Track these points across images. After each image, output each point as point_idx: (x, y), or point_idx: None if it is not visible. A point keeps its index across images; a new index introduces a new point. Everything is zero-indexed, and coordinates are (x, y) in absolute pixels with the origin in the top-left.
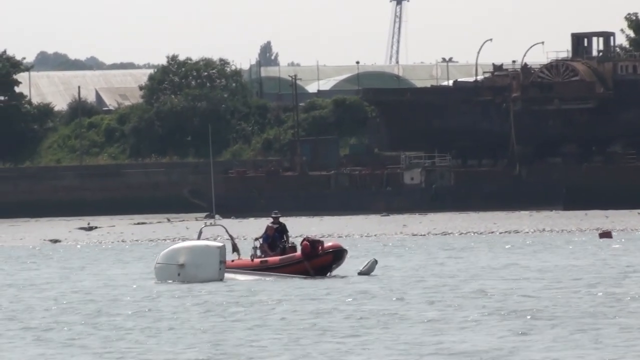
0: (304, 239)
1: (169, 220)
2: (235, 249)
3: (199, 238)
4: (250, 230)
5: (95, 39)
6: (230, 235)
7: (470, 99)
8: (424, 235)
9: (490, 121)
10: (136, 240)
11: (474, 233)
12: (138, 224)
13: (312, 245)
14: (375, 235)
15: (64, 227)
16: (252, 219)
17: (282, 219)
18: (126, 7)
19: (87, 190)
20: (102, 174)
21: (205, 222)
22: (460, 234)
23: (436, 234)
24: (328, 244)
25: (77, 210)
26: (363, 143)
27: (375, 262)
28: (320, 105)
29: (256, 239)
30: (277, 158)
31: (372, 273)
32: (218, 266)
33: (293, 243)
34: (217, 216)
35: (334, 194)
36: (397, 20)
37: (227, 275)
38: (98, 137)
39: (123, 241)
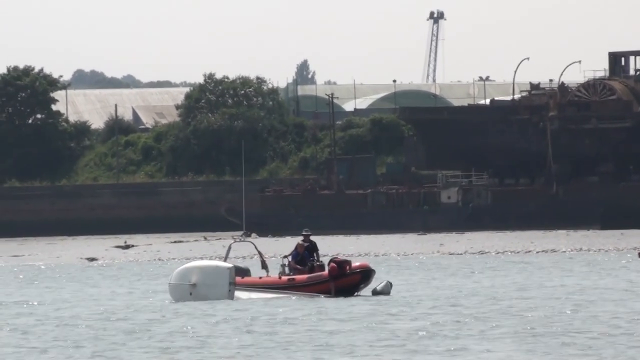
0: (331, 260)
1: (205, 238)
2: (264, 265)
3: (227, 254)
4: (287, 248)
5: (132, 57)
6: (260, 252)
7: (507, 118)
8: (461, 254)
9: (527, 140)
10: (173, 259)
11: (511, 252)
12: (175, 242)
13: (340, 267)
14: (412, 254)
15: (101, 246)
16: (288, 237)
17: (318, 238)
18: (163, 26)
19: (124, 209)
20: (139, 192)
21: (235, 239)
22: (497, 253)
23: (473, 253)
24: (355, 263)
25: (113, 229)
26: (400, 162)
27: (390, 284)
28: (357, 124)
29: (285, 257)
30: (313, 176)
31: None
32: (227, 287)
33: (321, 262)
34: (253, 234)
35: (371, 213)
36: (434, 38)
37: (241, 294)
38: (135, 156)
39: (160, 259)
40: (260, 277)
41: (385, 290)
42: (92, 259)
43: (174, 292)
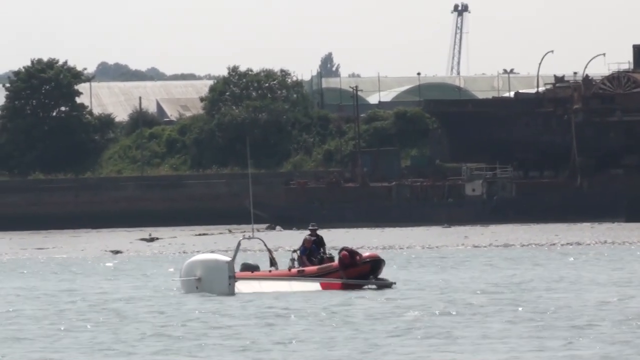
0: (343, 249)
1: (230, 231)
2: (272, 262)
3: (237, 250)
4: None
5: (156, 49)
6: (268, 249)
7: (532, 111)
8: (486, 247)
9: (551, 133)
10: (197, 252)
11: (536, 245)
12: (199, 235)
13: (351, 256)
14: (436, 247)
15: (125, 238)
16: None
17: (342, 230)
18: (187, 19)
19: (148, 201)
20: (163, 185)
21: (244, 235)
22: (522, 245)
23: (498, 246)
24: (365, 253)
25: (138, 221)
26: (424, 154)
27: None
28: (381, 117)
29: (294, 251)
30: (338, 169)
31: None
32: (227, 281)
33: (331, 254)
34: (277, 227)
35: (395, 206)
36: (458, 31)
37: (248, 286)
38: (159, 148)
39: (184, 252)
40: (270, 271)
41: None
42: (116, 252)
43: (184, 287)
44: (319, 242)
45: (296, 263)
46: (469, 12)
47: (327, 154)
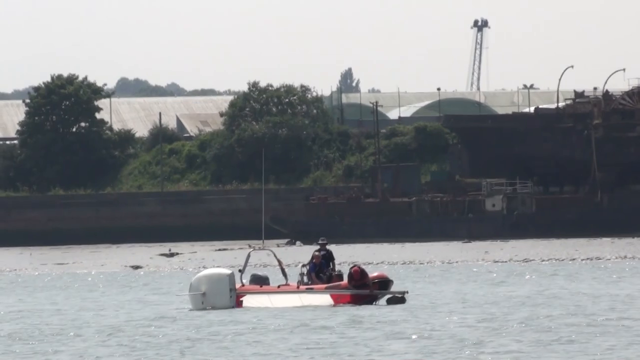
0: (355, 265)
1: (250, 246)
2: (283, 274)
3: (246, 263)
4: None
5: (176, 65)
6: (279, 260)
7: (552, 126)
8: (506, 262)
9: (571, 148)
10: (217, 267)
11: (556, 260)
12: (219, 250)
13: (362, 274)
14: (456, 262)
15: (145, 254)
16: (333, 246)
17: (363, 246)
18: (206, 35)
19: (168, 217)
20: (183, 200)
21: (253, 247)
22: (542, 260)
23: (518, 261)
24: (373, 274)
25: (158, 237)
26: (444, 170)
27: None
28: (401, 132)
29: (303, 266)
30: (358, 184)
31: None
32: (229, 294)
33: (340, 271)
34: (298, 242)
35: (415, 221)
36: (478, 46)
37: (254, 301)
38: (179, 164)
39: (204, 267)
40: (279, 286)
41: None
42: (136, 267)
43: (192, 303)
44: (328, 257)
45: (305, 278)
46: (489, 28)
47: (347, 169)
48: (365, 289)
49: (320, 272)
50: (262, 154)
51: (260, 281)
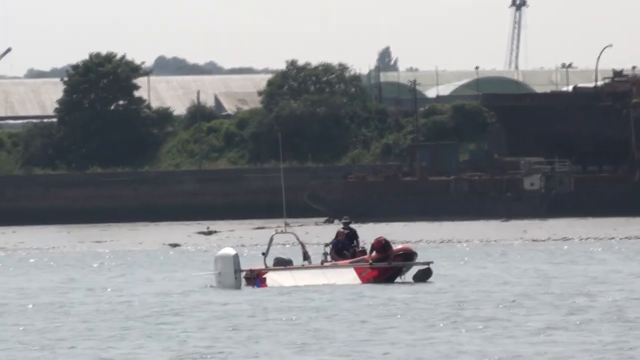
0: (379, 238)
1: (287, 224)
2: (306, 256)
3: (269, 246)
4: (368, 236)
5: (214, 43)
6: (301, 243)
7: (590, 105)
8: (544, 240)
9: (610, 127)
10: (255, 245)
11: (594, 239)
12: (257, 228)
13: (385, 244)
14: (494, 241)
15: (183, 232)
16: (371, 224)
17: (400, 224)
18: (245, 13)
19: (206, 195)
20: (222, 179)
21: (277, 229)
22: (580, 239)
23: (556, 240)
24: (397, 246)
25: (196, 215)
26: (482, 149)
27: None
28: (439, 111)
29: (326, 245)
30: (396, 163)
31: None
32: (234, 275)
33: (363, 247)
34: (335, 221)
35: (454, 200)
36: (517, 25)
37: (279, 277)
38: (217, 142)
39: (242, 245)
40: (303, 266)
41: (426, 276)
42: (174, 245)
43: (214, 281)
44: (352, 236)
45: (329, 257)
46: (527, 7)
47: (386, 147)
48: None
49: (344, 249)
50: (278, 134)
51: (283, 264)
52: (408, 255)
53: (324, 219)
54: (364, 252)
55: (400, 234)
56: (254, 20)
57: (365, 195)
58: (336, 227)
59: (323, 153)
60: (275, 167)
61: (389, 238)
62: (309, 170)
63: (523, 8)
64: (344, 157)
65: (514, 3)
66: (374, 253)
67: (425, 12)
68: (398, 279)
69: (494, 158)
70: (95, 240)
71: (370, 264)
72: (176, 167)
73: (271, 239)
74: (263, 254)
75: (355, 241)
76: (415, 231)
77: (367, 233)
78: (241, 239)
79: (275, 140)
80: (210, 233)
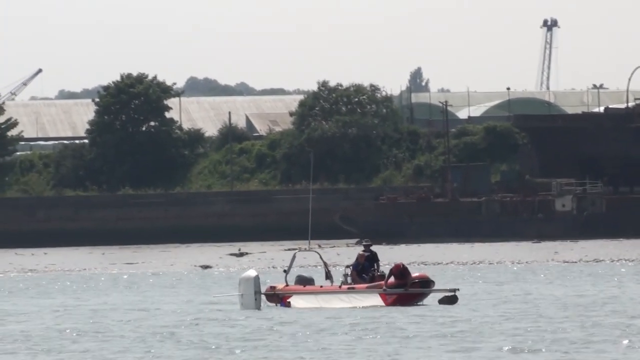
0: (398, 263)
1: (319, 246)
2: (328, 275)
3: (291, 264)
4: (401, 256)
5: (245, 64)
6: (324, 262)
7: (622, 126)
8: (575, 262)
9: None
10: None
11: (626, 260)
12: (288, 249)
13: (402, 270)
14: (526, 263)
15: (215, 253)
16: (403, 246)
17: (432, 245)
18: (276, 34)
19: (238, 216)
20: (253, 200)
21: (300, 248)
22: (612, 261)
23: (588, 261)
24: (415, 274)
25: (227, 236)
26: (514, 169)
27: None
28: (471, 132)
29: (347, 267)
30: (428, 184)
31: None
32: (254, 296)
33: (382, 272)
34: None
35: (485, 221)
36: (548, 46)
37: (298, 302)
38: (249, 163)
39: (274, 267)
40: (321, 287)
41: (453, 300)
42: (206, 267)
43: (238, 302)
44: (372, 258)
45: (349, 279)
46: (559, 27)
47: (417, 169)
48: (401, 288)
49: (364, 272)
50: (310, 155)
51: (305, 282)
52: (425, 283)
53: (355, 240)
54: (382, 276)
55: (431, 255)
56: (285, 41)
57: (397, 217)
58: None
59: (354, 174)
60: (307, 188)
61: (420, 260)
62: (341, 192)
63: (554, 29)
64: (375, 178)
65: (545, 24)
66: (391, 278)
67: (457, 33)
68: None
69: (525, 179)
70: (126, 262)
71: (384, 289)
72: (207, 189)
73: (294, 257)
74: (284, 271)
75: (375, 264)
76: (446, 253)
77: (399, 254)
78: (272, 260)
79: (306, 162)
80: (241, 255)
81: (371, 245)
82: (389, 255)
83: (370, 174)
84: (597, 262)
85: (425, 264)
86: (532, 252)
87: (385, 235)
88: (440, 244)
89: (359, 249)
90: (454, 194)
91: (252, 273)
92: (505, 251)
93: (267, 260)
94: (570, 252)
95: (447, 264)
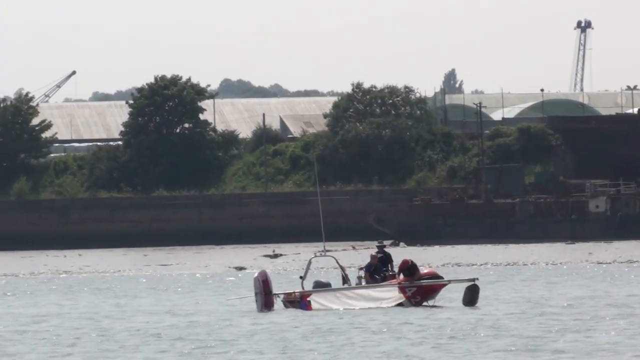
0: (406, 259)
1: (353, 247)
2: (345, 279)
3: (307, 269)
4: (434, 257)
5: (279, 66)
6: (341, 266)
7: None
8: (610, 263)
9: None
10: (321, 268)
11: None
12: (322, 251)
13: (411, 266)
14: (560, 264)
15: (249, 255)
16: (437, 247)
17: (466, 247)
18: (309, 36)
19: (272, 218)
20: (287, 202)
21: (315, 253)
22: None
23: (622, 262)
24: (424, 270)
25: (261, 238)
26: (548, 171)
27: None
28: (505, 133)
29: (360, 268)
30: (462, 186)
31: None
32: (255, 298)
33: (394, 272)
34: (401, 243)
35: (519, 222)
36: (582, 47)
37: (316, 302)
38: (283, 165)
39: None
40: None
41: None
42: (240, 268)
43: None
44: (386, 260)
45: (363, 281)
46: (592, 29)
47: (451, 170)
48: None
49: (376, 273)
50: (314, 158)
51: (322, 287)
52: (434, 279)
53: (390, 241)
54: (394, 276)
55: (465, 256)
56: (319, 43)
57: (431, 218)
58: (402, 250)
59: (388, 176)
60: (341, 189)
61: (454, 261)
62: (375, 193)
63: (588, 30)
64: (409, 179)
65: (578, 25)
66: (401, 276)
67: (491, 34)
68: (425, 303)
69: (559, 180)
70: (161, 263)
71: (401, 284)
72: (242, 190)
73: (309, 263)
74: (301, 277)
75: (389, 265)
76: (480, 254)
77: (432, 255)
78: (307, 262)
79: (340, 163)
80: (275, 256)
81: (384, 246)
82: (423, 257)
83: (404, 176)
84: (630, 263)
85: (460, 265)
86: (566, 253)
87: (419, 236)
88: (474, 245)
89: (394, 251)
90: (488, 195)
91: (254, 274)
92: (539, 252)
93: (302, 261)
94: (604, 253)
95: (481, 265)
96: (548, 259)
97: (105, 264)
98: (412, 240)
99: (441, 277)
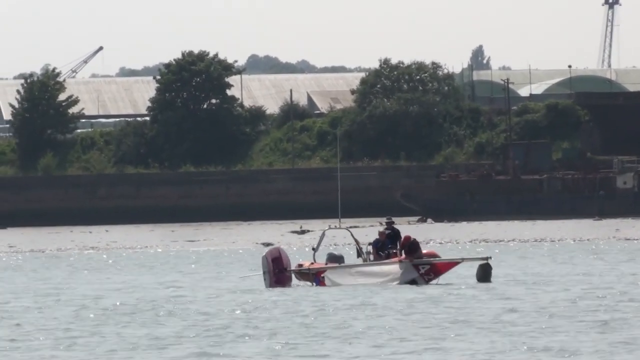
0: (407, 235)
1: (381, 223)
2: (359, 253)
3: (320, 241)
4: (461, 234)
5: (306, 42)
6: (356, 240)
7: None
8: (637, 239)
9: None
10: (348, 244)
11: None
12: (350, 227)
13: (413, 243)
14: (587, 240)
15: (276, 231)
16: (464, 223)
17: (494, 223)
18: (337, 12)
19: (299, 194)
20: (314, 177)
21: (329, 225)
22: None
23: None
24: (424, 251)
25: (289, 214)
26: (575, 147)
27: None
28: (532, 109)
29: (369, 244)
30: (489, 162)
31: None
32: (263, 276)
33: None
34: (429, 219)
35: (547, 198)
36: (609, 24)
37: (329, 279)
38: (310, 141)
39: (335, 245)
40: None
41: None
42: (267, 244)
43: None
44: (394, 236)
45: (371, 257)
46: (620, 5)
47: (479, 146)
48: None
49: (382, 249)
50: (337, 135)
51: (335, 260)
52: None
53: (417, 218)
54: (397, 254)
55: (492, 232)
56: (346, 19)
57: (458, 194)
58: (429, 226)
59: (416, 152)
60: (368, 165)
61: (482, 237)
62: (402, 169)
63: (616, 6)
64: (436, 155)
65: (606, 1)
66: (403, 254)
67: (518, 11)
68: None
69: (587, 156)
70: (188, 239)
71: (413, 261)
72: (269, 166)
73: (323, 235)
74: (313, 248)
75: (397, 242)
76: (507, 230)
77: (460, 231)
78: (334, 238)
79: (367, 139)
80: (303, 232)
81: (393, 223)
82: (450, 233)
83: (432, 152)
84: None
85: (487, 242)
86: (593, 229)
87: (447, 212)
88: (501, 222)
89: (421, 227)
90: (516, 171)
91: (264, 252)
92: (566, 228)
93: (329, 238)
94: (632, 229)
95: (508, 241)
96: (575, 236)
97: (133, 240)
98: (439, 217)
99: (439, 257)
